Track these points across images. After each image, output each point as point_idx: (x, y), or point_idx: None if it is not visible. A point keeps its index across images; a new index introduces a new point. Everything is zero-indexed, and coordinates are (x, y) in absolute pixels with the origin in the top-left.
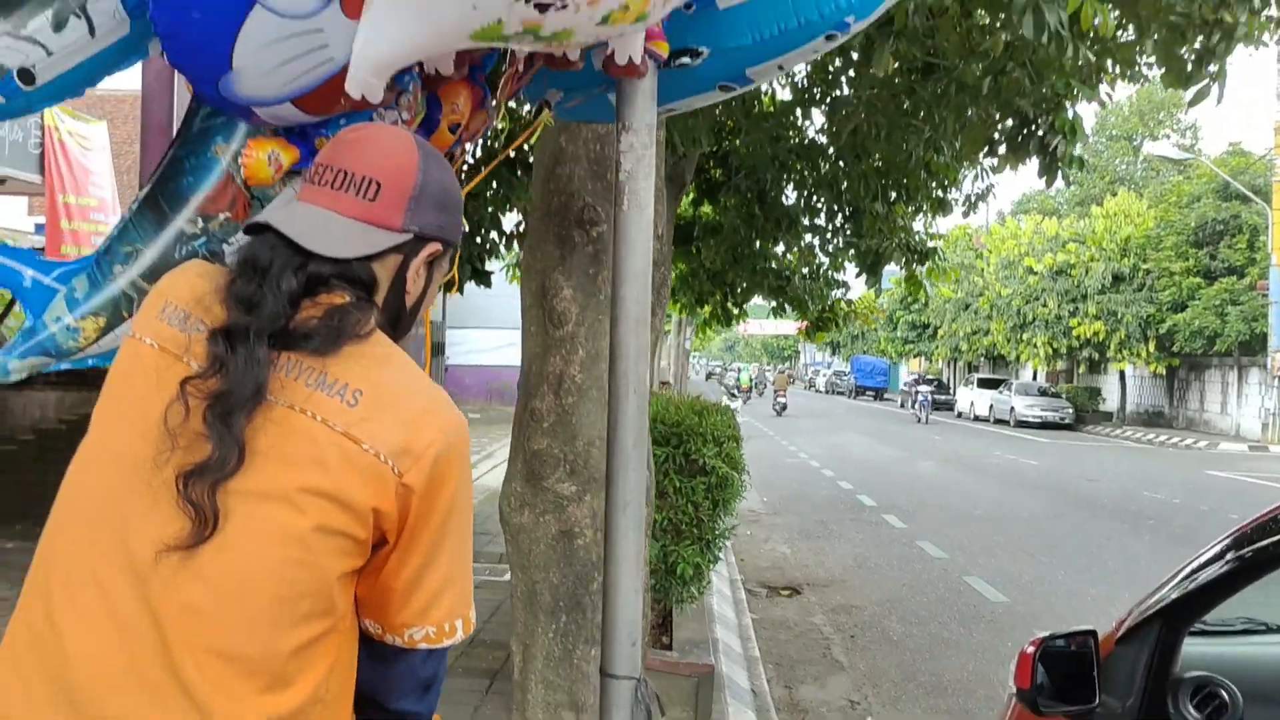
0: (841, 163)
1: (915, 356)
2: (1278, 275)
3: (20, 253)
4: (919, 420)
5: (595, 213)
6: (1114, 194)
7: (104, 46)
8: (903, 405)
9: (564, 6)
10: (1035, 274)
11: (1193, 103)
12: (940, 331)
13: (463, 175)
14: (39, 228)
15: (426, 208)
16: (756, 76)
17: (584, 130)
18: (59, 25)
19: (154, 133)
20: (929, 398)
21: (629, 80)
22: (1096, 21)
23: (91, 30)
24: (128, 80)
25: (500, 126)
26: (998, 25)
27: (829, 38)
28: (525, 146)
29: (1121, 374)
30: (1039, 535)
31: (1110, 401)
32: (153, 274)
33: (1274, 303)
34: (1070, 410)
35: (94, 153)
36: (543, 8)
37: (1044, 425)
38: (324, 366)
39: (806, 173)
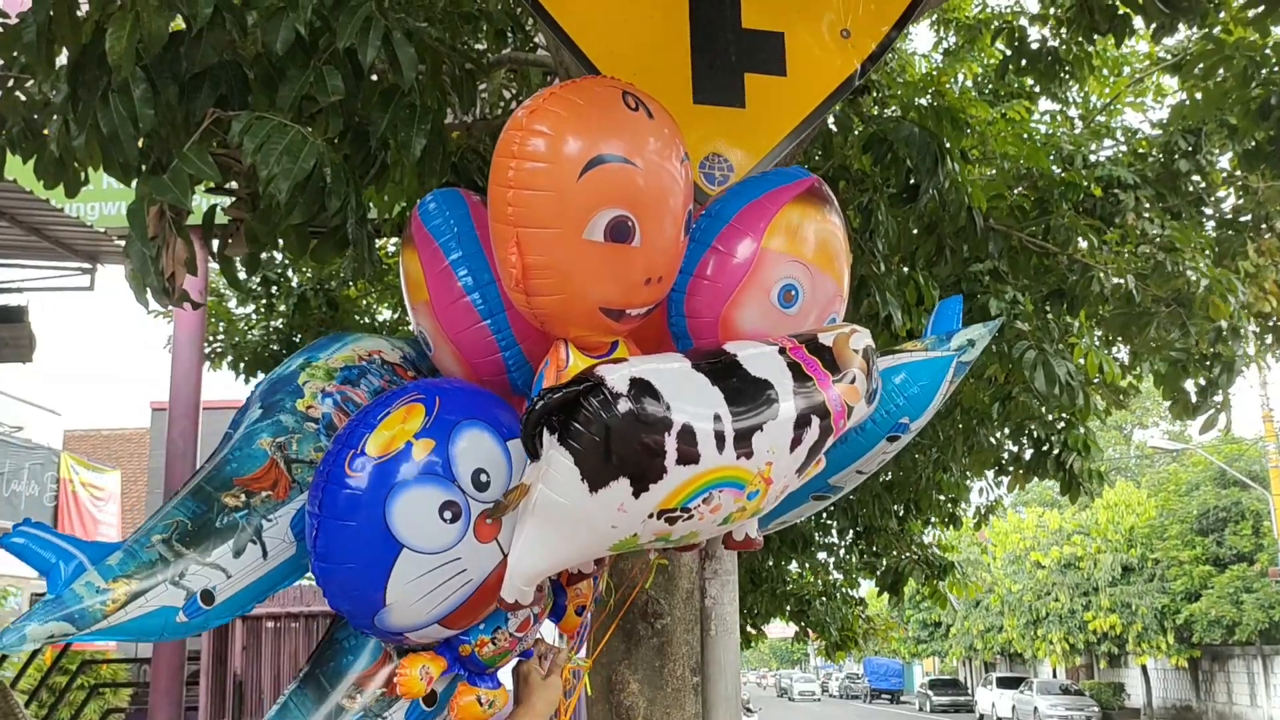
0: None
1: (929, 656)
2: None
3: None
4: None
5: (659, 605)
6: (1111, 484)
7: (273, 567)
8: (920, 709)
9: (690, 517)
10: (1043, 568)
11: (1202, 431)
12: (953, 629)
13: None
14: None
15: None
16: (840, 483)
17: None
18: (238, 552)
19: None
20: None
21: None
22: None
23: (264, 554)
24: (135, 418)
25: None
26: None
27: (891, 439)
28: None
29: (1144, 668)
30: None
31: (1135, 697)
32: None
33: None
34: (1096, 709)
35: (106, 502)
36: (672, 520)
37: None
38: None
39: None
